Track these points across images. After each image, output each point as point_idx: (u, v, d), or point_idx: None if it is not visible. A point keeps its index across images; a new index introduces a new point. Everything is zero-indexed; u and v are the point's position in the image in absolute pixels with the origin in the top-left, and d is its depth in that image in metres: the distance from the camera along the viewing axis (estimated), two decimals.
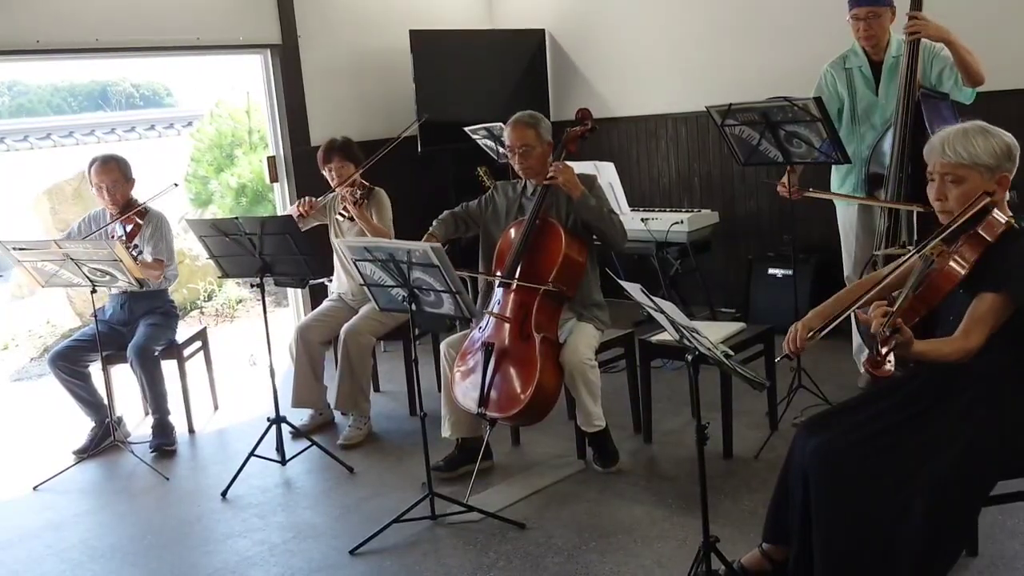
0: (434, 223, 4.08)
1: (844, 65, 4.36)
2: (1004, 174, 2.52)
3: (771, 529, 2.80)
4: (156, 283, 4.67)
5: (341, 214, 4.70)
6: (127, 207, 4.59)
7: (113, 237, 4.46)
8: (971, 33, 4.04)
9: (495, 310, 3.91)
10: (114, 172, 4.57)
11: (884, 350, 2.29)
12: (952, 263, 2.45)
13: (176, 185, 4.58)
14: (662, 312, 2.62)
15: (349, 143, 4.72)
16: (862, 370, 4.60)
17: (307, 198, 4.63)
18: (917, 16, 3.91)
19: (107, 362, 4.59)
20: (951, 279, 2.45)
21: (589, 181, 3.95)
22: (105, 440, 4.55)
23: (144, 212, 4.65)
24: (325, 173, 4.71)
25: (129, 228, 4.57)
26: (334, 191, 4.68)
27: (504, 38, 7.07)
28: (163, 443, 4.59)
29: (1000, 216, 2.47)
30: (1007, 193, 2.59)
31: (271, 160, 6.32)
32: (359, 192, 4.62)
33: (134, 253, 4.35)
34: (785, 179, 4.18)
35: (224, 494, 4.03)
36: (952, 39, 3.90)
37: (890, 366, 2.30)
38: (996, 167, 2.50)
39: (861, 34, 4.21)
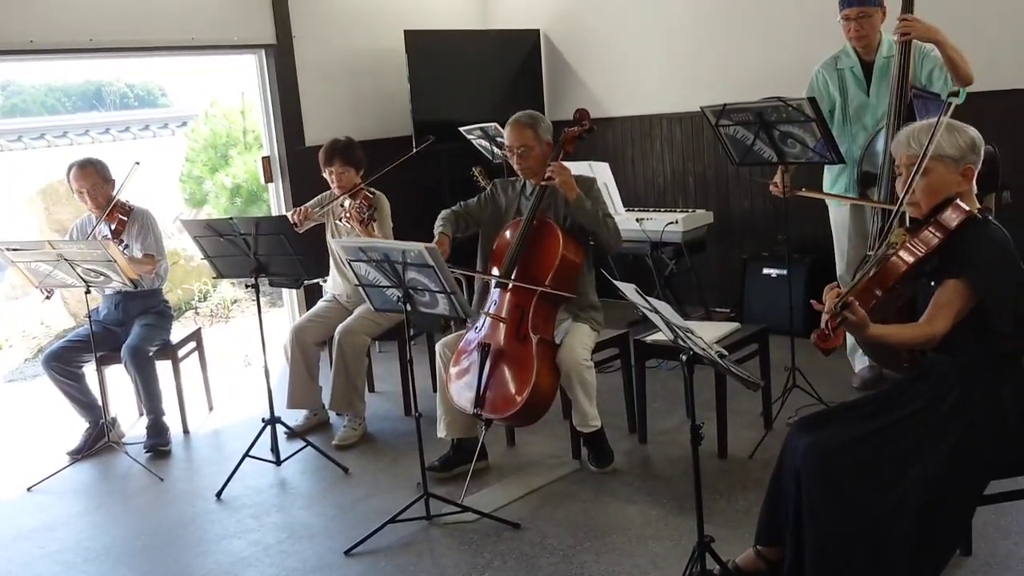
0: (440, 223, 4.02)
1: (836, 66, 4.37)
2: (968, 165, 2.56)
3: (764, 531, 2.81)
4: (150, 280, 4.66)
5: (347, 225, 4.62)
6: (110, 207, 4.59)
7: (99, 238, 4.46)
8: (962, 34, 4.05)
9: (491, 310, 3.91)
10: (92, 176, 4.56)
11: (833, 324, 2.38)
12: (909, 246, 2.51)
13: (138, 163, 4.53)
14: (657, 312, 2.62)
15: (352, 145, 4.65)
16: (856, 370, 4.62)
17: (302, 208, 4.61)
18: (907, 17, 3.93)
19: (101, 363, 4.57)
20: (905, 262, 2.50)
21: (587, 184, 3.95)
22: (99, 441, 4.55)
23: (129, 210, 4.65)
24: (326, 175, 4.66)
25: (113, 226, 4.57)
26: (332, 194, 4.66)
27: (499, 38, 7.07)
28: (157, 444, 4.58)
29: (963, 205, 2.51)
30: (995, 193, 2.61)
31: (266, 160, 6.32)
32: (367, 211, 4.45)
33: (121, 250, 4.34)
34: (778, 178, 4.22)
35: (219, 495, 4.02)
36: (942, 40, 3.92)
37: (838, 340, 2.41)
38: (960, 158, 2.55)
39: (852, 34, 4.23)
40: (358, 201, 4.51)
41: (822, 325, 2.42)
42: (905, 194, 2.57)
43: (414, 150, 4.55)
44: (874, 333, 2.46)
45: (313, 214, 4.62)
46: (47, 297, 4.48)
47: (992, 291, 2.48)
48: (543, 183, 3.86)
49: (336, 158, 4.59)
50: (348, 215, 4.50)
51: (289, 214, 4.58)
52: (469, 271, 4.18)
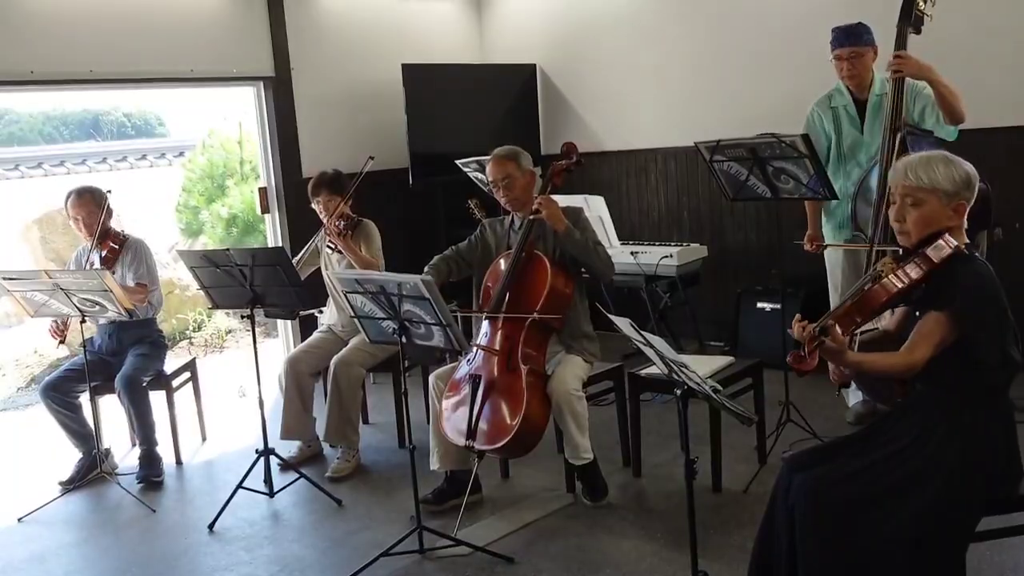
0: (427, 270, 4.04)
1: (830, 104, 4.42)
2: (962, 202, 2.58)
3: (756, 568, 2.78)
4: (144, 309, 4.66)
5: (329, 246, 4.70)
6: (104, 237, 4.60)
7: (91, 266, 4.47)
8: (954, 72, 4.10)
9: (483, 342, 3.92)
10: (88, 204, 4.57)
11: (810, 348, 2.42)
12: (892, 277, 2.53)
13: (110, 191, 4.63)
14: (651, 347, 2.64)
15: (338, 177, 4.72)
16: (850, 404, 4.62)
17: None
18: (900, 54, 3.98)
19: (95, 392, 4.57)
20: (887, 291, 2.52)
21: (574, 214, 3.98)
22: (92, 471, 4.52)
23: (122, 240, 4.66)
24: (314, 206, 4.72)
25: (104, 253, 4.59)
26: (322, 229, 4.70)
27: (495, 72, 7.14)
28: (150, 474, 4.55)
29: (951, 240, 2.53)
30: (987, 230, 2.63)
31: (262, 191, 6.34)
32: (343, 223, 4.61)
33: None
34: (807, 236, 4.47)
35: (211, 527, 4.00)
36: (934, 78, 3.96)
37: (812, 362, 2.45)
38: (955, 194, 2.57)
39: (844, 73, 4.28)
40: (338, 219, 4.58)
41: (800, 348, 2.46)
42: (876, 230, 2.58)
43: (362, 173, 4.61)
44: (852, 360, 2.50)
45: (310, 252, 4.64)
46: (61, 342, 4.56)
47: (976, 325, 2.50)
48: (531, 216, 3.89)
49: (323, 189, 4.66)
50: (329, 234, 4.56)
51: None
52: (461, 311, 4.17)
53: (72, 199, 4.60)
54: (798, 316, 2.55)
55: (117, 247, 4.64)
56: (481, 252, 4.15)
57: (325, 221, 4.65)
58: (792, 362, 2.46)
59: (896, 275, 2.53)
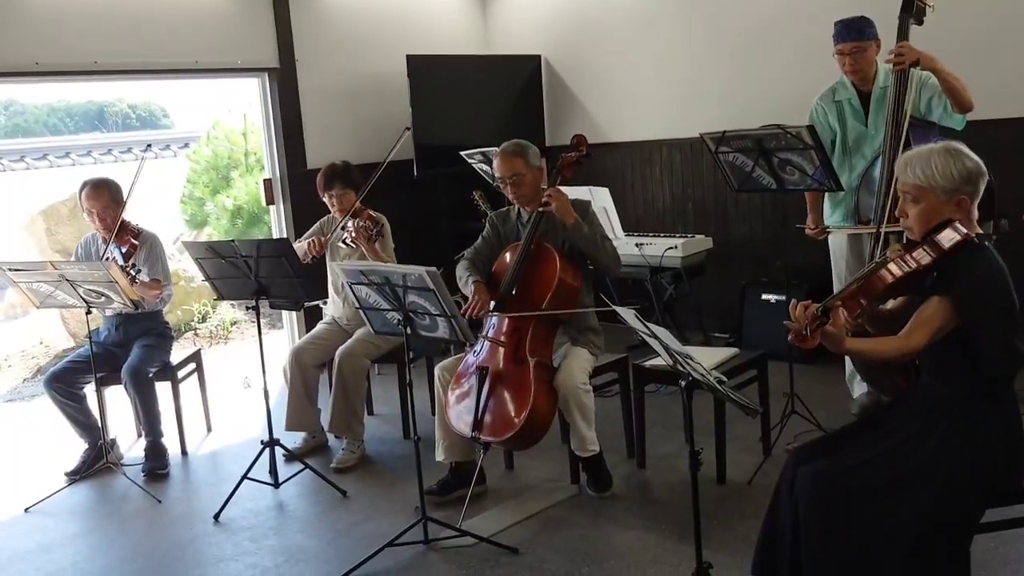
0: (467, 273, 3.97)
1: (834, 97, 4.40)
2: (963, 196, 2.55)
3: (760, 561, 2.79)
4: (153, 304, 4.66)
5: (346, 243, 4.63)
6: (119, 230, 4.59)
7: (110, 259, 4.46)
8: (960, 62, 4.08)
9: (490, 334, 3.92)
10: (104, 197, 4.55)
11: (811, 328, 2.45)
12: (901, 261, 2.53)
13: (149, 146, 4.66)
14: (656, 338, 2.64)
15: (349, 168, 4.71)
16: (854, 395, 4.62)
17: (314, 240, 4.58)
18: (901, 45, 3.96)
19: (101, 383, 4.56)
20: (892, 275, 2.52)
21: (583, 207, 3.97)
22: (98, 462, 4.54)
23: (138, 233, 4.65)
24: (325, 199, 4.71)
25: (125, 249, 4.58)
26: (332, 218, 4.69)
27: (500, 63, 7.13)
28: (156, 465, 4.57)
29: (960, 228, 2.52)
30: (992, 221, 2.61)
31: (267, 182, 6.35)
32: (374, 229, 4.50)
33: (133, 272, 4.34)
34: (810, 221, 4.47)
35: (216, 517, 4.01)
36: (937, 66, 3.94)
37: (813, 342, 2.48)
38: (953, 190, 2.54)
39: (847, 68, 4.26)
40: (363, 221, 4.54)
41: (800, 327, 2.48)
42: (884, 216, 2.58)
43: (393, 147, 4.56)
44: (851, 348, 2.51)
45: (327, 242, 4.61)
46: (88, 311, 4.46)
47: (977, 315, 2.48)
48: (540, 209, 3.88)
49: (336, 181, 4.63)
50: (354, 235, 4.51)
51: (301, 253, 4.46)
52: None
53: (87, 191, 4.57)
54: (794, 302, 2.56)
55: (136, 242, 4.63)
56: (498, 246, 4.13)
57: (338, 216, 4.60)
58: (794, 340, 2.48)
59: (903, 260, 2.52)
